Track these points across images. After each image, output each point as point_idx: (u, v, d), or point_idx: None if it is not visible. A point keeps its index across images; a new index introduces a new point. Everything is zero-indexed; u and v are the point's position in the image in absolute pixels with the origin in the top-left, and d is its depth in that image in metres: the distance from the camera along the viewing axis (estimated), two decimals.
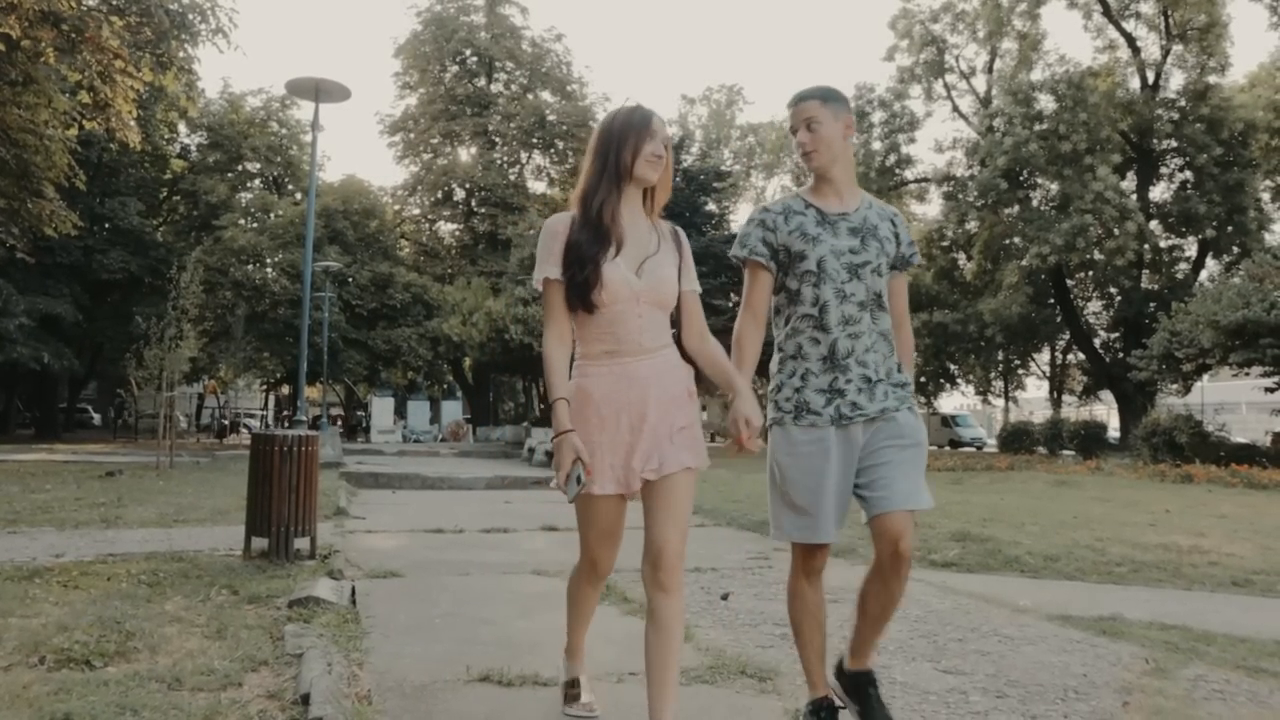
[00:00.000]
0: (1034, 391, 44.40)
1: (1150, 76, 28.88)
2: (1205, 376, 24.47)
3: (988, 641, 3.95)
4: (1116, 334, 31.45)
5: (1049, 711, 2.97)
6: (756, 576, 5.46)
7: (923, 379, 36.96)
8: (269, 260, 28.76)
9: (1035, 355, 38.33)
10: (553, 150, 33.86)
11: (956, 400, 48.82)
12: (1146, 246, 27.10)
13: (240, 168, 32.26)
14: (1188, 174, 28.94)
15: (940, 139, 48.24)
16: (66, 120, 13.92)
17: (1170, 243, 30.57)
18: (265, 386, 42.84)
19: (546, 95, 34.25)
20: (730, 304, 35.23)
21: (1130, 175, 29.11)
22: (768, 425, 2.57)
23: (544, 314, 2.35)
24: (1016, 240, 27.65)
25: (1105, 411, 37.54)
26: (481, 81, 34.29)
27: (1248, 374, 20.61)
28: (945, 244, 33.22)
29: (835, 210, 2.58)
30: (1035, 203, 28.20)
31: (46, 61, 12.32)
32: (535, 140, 33.23)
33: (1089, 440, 25.51)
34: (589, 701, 2.75)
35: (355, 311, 29.45)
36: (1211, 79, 28.01)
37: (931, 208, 39.16)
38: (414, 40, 33.59)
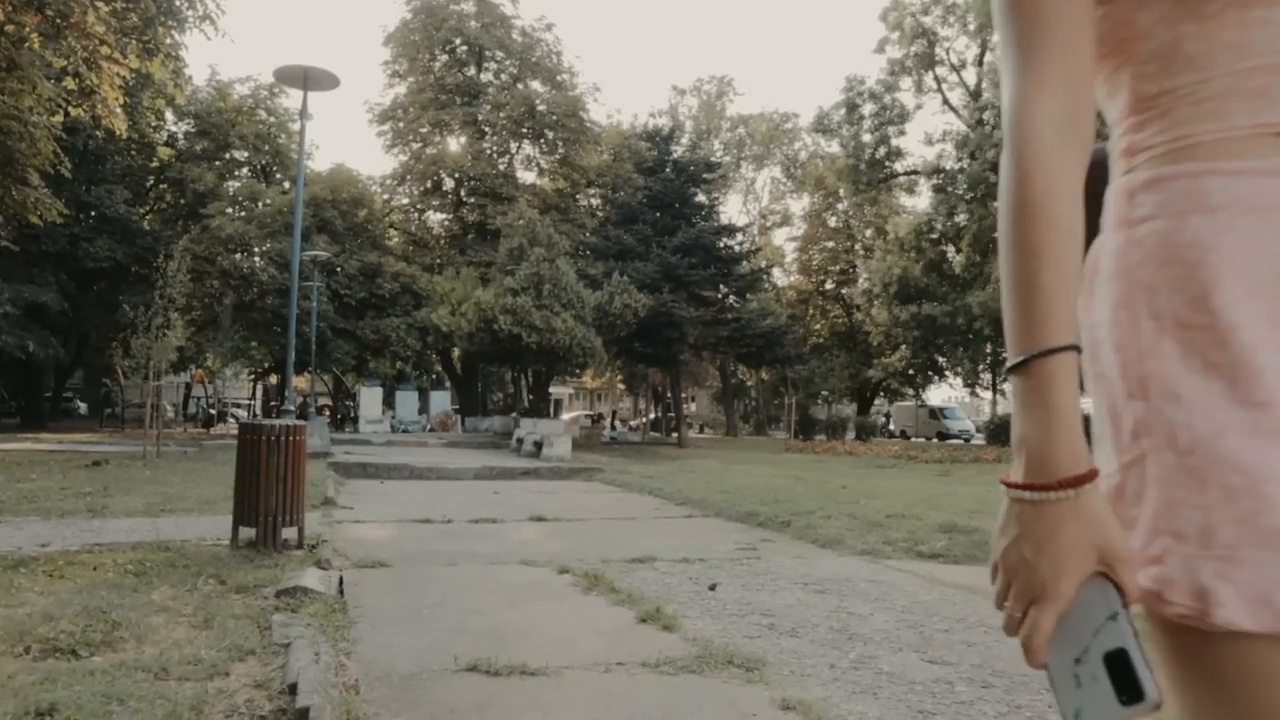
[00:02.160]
0: None
1: None
2: None
3: (974, 632, 3.98)
4: None
5: (1034, 701, 3.00)
6: (744, 567, 5.47)
7: (910, 371, 37.07)
8: (257, 249, 28.60)
9: None
10: (542, 140, 33.72)
11: (945, 392, 49.27)
12: None
13: (228, 156, 32.07)
14: None
15: (930, 132, 48.50)
16: (51, 107, 13.78)
17: None
18: (253, 376, 42.65)
19: (536, 85, 34.09)
20: (720, 295, 34.80)
21: None
22: None
23: (1008, 31, 0.73)
24: None
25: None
26: (471, 71, 34.12)
27: None
28: (934, 237, 33.37)
29: None
30: None
31: (31, 47, 12.20)
32: (525, 130, 33.08)
33: None
34: None
35: (343, 301, 29.35)
36: None
37: (921, 200, 39.26)
38: (403, 29, 33.39)
